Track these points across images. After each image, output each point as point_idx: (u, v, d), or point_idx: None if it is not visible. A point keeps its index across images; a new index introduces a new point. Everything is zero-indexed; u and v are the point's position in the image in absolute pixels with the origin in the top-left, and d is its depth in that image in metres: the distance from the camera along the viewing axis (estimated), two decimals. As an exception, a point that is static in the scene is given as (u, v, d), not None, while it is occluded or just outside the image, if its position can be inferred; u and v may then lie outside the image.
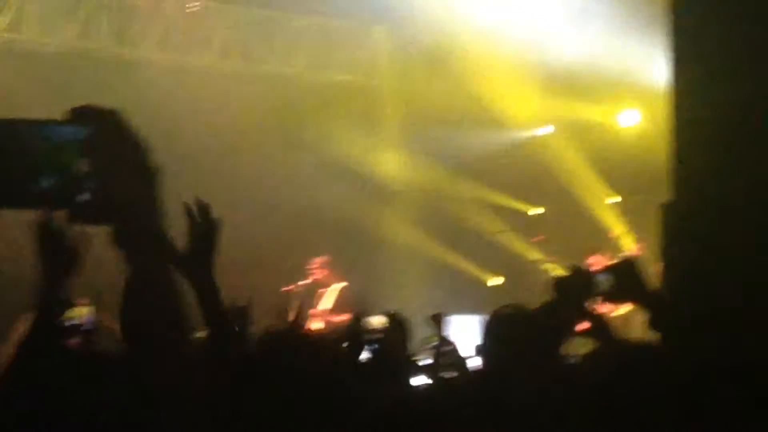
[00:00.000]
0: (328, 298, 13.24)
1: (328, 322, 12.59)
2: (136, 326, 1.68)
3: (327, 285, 13.34)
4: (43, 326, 3.77)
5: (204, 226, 3.42)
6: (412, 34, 15.66)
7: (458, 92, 15.44)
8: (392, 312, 5.34)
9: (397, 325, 5.22)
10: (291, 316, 13.20)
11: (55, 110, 1.72)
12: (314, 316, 13.10)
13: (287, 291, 13.70)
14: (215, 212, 3.41)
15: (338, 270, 13.59)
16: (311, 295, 13.47)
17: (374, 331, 5.81)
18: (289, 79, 15.73)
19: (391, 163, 16.44)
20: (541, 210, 16.85)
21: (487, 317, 3.85)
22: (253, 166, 14.81)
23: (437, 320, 6.43)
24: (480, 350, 3.86)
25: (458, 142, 16.18)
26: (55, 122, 1.63)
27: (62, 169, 1.60)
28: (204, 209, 3.41)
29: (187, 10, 15.23)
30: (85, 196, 1.60)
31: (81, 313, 5.09)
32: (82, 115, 1.63)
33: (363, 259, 15.28)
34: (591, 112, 16.38)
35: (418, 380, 5.46)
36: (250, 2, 15.57)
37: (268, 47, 15.86)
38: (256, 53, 15.82)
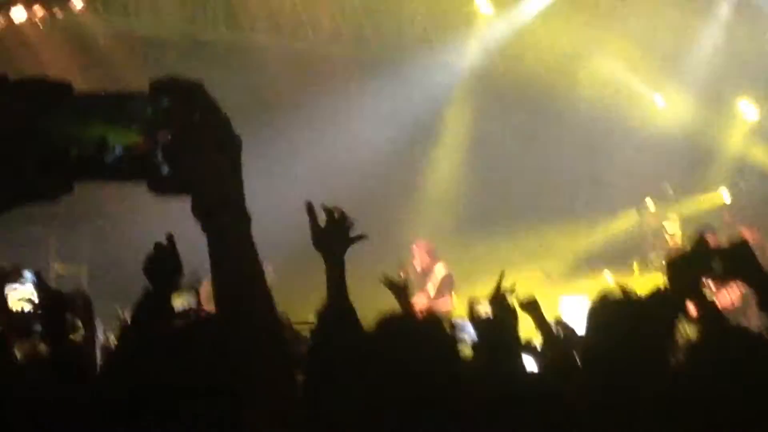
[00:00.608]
0: (431, 283, 13.21)
1: (432, 307, 12.55)
2: (224, 299, 1.72)
3: (430, 269, 13.30)
4: (147, 312, 3.91)
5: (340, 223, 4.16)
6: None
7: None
8: (498, 297, 5.28)
9: (504, 310, 5.17)
10: (405, 301, 13.19)
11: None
12: (419, 300, 13.10)
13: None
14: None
15: (441, 253, 13.55)
16: (416, 278, 13.46)
17: (479, 316, 5.77)
18: (397, 61, 15.71)
19: (502, 145, 16.32)
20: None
21: (594, 301, 3.80)
22: (363, 149, 14.83)
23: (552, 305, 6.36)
24: (586, 335, 3.82)
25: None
26: (137, 94, 1.67)
27: (143, 140, 1.64)
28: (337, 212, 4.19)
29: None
30: (166, 168, 1.65)
31: (182, 298, 5.17)
32: (163, 87, 1.67)
33: (466, 242, 15.22)
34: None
35: (530, 365, 5.42)
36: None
37: (378, 30, 15.84)
38: (366, 36, 15.83)
